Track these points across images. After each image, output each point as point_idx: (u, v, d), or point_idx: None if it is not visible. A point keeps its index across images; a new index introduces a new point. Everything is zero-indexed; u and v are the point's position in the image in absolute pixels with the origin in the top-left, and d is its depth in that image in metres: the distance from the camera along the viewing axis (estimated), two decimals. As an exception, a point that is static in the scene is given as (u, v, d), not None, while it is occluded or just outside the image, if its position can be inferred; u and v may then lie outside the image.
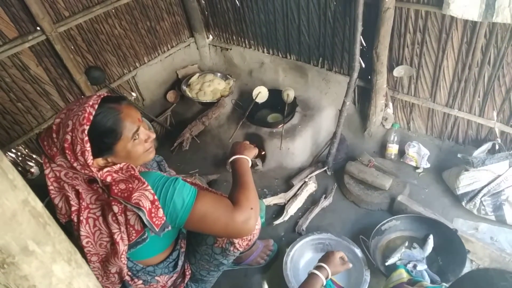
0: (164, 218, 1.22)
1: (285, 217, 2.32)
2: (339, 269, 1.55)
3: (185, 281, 1.68)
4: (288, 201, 2.42)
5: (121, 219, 1.20)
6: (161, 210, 1.21)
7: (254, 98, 2.83)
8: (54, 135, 1.17)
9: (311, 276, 1.48)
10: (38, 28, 2.36)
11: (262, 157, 2.73)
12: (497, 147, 2.29)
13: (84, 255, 1.24)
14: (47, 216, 0.62)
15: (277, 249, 2.15)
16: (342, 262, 1.58)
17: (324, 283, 1.47)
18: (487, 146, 2.28)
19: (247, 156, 1.59)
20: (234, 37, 3.28)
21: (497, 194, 2.10)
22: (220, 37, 3.40)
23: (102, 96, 1.22)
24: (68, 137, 1.15)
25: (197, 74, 3.28)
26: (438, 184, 2.39)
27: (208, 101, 3.06)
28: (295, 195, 2.43)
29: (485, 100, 2.22)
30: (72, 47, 2.60)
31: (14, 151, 2.52)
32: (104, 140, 1.21)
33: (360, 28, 2.23)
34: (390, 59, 2.40)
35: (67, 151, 1.15)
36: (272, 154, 2.68)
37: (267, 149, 2.69)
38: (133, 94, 3.13)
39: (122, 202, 1.18)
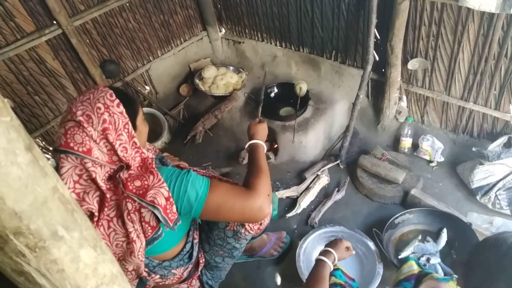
0: (177, 213, 1.24)
1: (298, 210, 2.34)
2: (345, 255, 1.58)
3: (199, 269, 1.71)
4: (301, 194, 2.43)
5: (134, 217, 1.21)
6: (174, 206, 1.23)
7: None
8: (86, 125, 1.15)
9: (318, 263, 1.49)
10: (55, 22, 2.39)
11: (274, 150, 2.74)
12: (513, 141, 2.26)
13: None
14: (74, 203, 0.64)
15: (289, 241, 2.17)
16: (347, 250, 1.60)
17: (332, 268, 1.49)
18: (502, 139, 2.25)
19: (261, 140, 1.60)
20: (246, 31, 3.28)
21: (512, 188, 2.08)
22: (232, 30, 3.40)
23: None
24: (106, 116, 1.16)
25: (210, 68, 3.29)
26: (452, 178, 2.37)
27: (220, 94, 3.07)
28: (307, 188, 2.44)
29: (502, 93, 2.19)
30: (88, 41, 2.63)
31: (31, 143, 2.57)
32: (130, 111, 1.24)
33: (374, 20, 2.21)
34: (405, 52, 2.38)
35: (108, 132, 1.16)
36: (284, 147, 2.69)
37: (280, 143, 2.69)
38: (147, 87, 3.16)
39: (136, 200, 1.19)
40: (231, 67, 3.32)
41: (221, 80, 3.14)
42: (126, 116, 1.21)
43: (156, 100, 3.22)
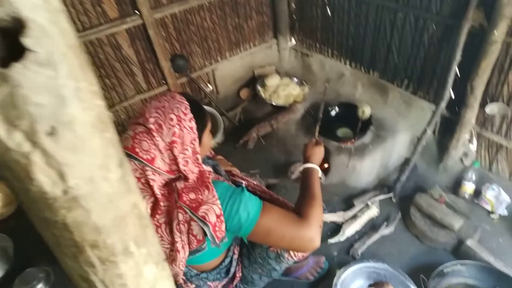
0: (225, 231, 1.22)
1: (341, 237, 2.26)
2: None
3: (234, 283, 1.69)
4: (347, 221, 2.35)
5: (183, 227, 1.20)
6: (224, 224, 1.21)
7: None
8: (155, 134, 1.15)
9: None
10: (137, 12, 2.48)
11: (325, 170, 2.68)
12: None
13: None
14: (148, 219, 0.63)
15: (327, 268, 2.10)
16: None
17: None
18: None
19: (317, 164, 1.56)
20: (317, 45, 3.24)
21: None
22: (303, 42, 3.37)
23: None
24: (176, 129, 1.16)
25: (274, 76, 3.27)
26: (514, 236, 2.20)
27: (280, 104, 3.05)
28: (354, 216, 2.36)
29: None
30: (163, 34, 2.70)
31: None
32: (200, 127, 1.24)
33: (458, 57, 2.10)
34: (485, 94, 2.23)
35: (175, 145, 1.16)
36: (336, 169, 2.62)
37: (332, 164, 2.62)
38: (210, 86, 3.21)
39: (187, 212, 1.19)
40: (295, 79, 3.28)
41: (283, 90, 3.12)
42: (196, 132, 1.20)
43: (216, 99, 3.25)
